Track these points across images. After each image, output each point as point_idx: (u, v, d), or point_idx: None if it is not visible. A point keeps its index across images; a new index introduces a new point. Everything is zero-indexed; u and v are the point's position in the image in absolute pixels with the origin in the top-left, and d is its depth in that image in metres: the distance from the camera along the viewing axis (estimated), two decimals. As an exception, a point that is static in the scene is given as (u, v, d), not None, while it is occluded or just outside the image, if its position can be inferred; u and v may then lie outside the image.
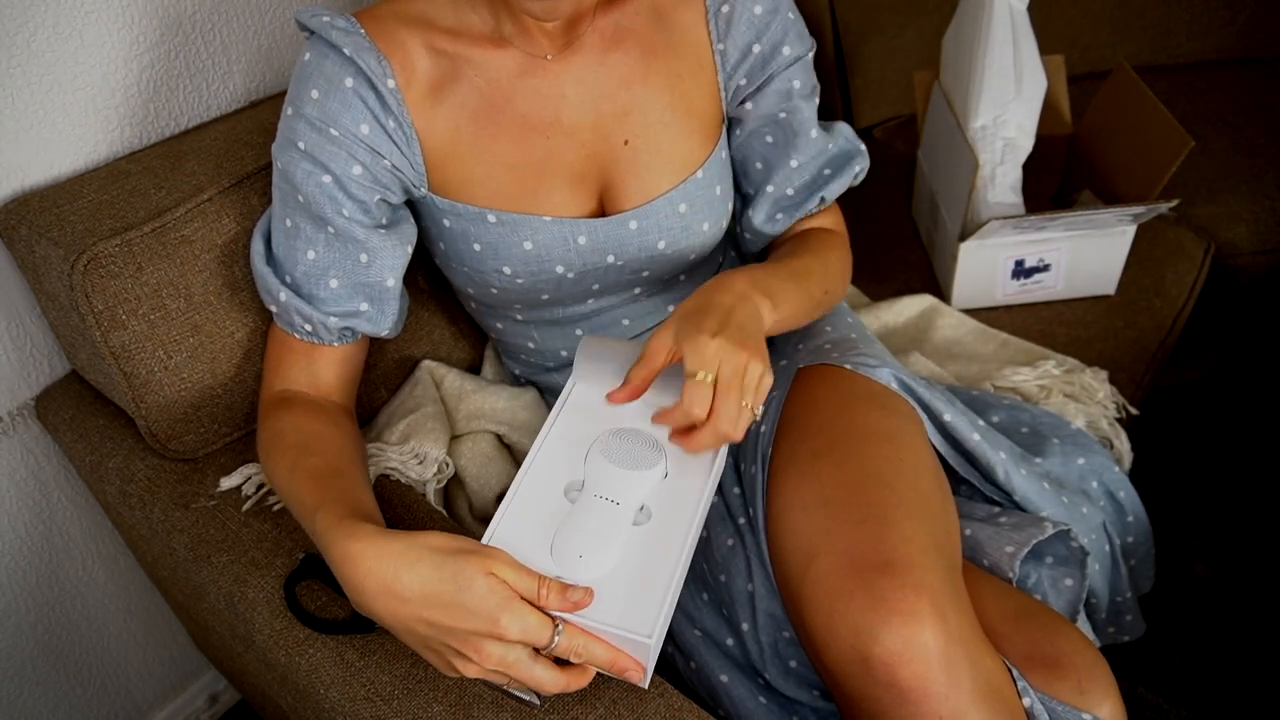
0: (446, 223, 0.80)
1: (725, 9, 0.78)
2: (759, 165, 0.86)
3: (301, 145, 0.73)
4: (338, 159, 0.73)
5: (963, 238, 1.11)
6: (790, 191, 0.87)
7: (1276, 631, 1.28)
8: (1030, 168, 1.15)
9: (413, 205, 0.82)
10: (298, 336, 0.79)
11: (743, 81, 0.81)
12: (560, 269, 0.82)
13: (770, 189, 0.86)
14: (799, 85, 0.82)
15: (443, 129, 0.76)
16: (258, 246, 0.79)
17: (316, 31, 0.73)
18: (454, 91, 0.76)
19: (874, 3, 1.51)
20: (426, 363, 0.99)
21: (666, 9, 0.79)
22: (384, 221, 0.78)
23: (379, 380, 0.96)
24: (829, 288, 0.84)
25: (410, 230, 0.80)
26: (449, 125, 0.76)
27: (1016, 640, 0.72)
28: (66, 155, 0.87)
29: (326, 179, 0.73)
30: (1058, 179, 1.30)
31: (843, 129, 0.87)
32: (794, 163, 0.85)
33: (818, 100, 0.85)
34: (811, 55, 0.83)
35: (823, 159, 0.86)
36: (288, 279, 0.77)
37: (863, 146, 0.88)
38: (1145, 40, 1.60)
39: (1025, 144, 1.12)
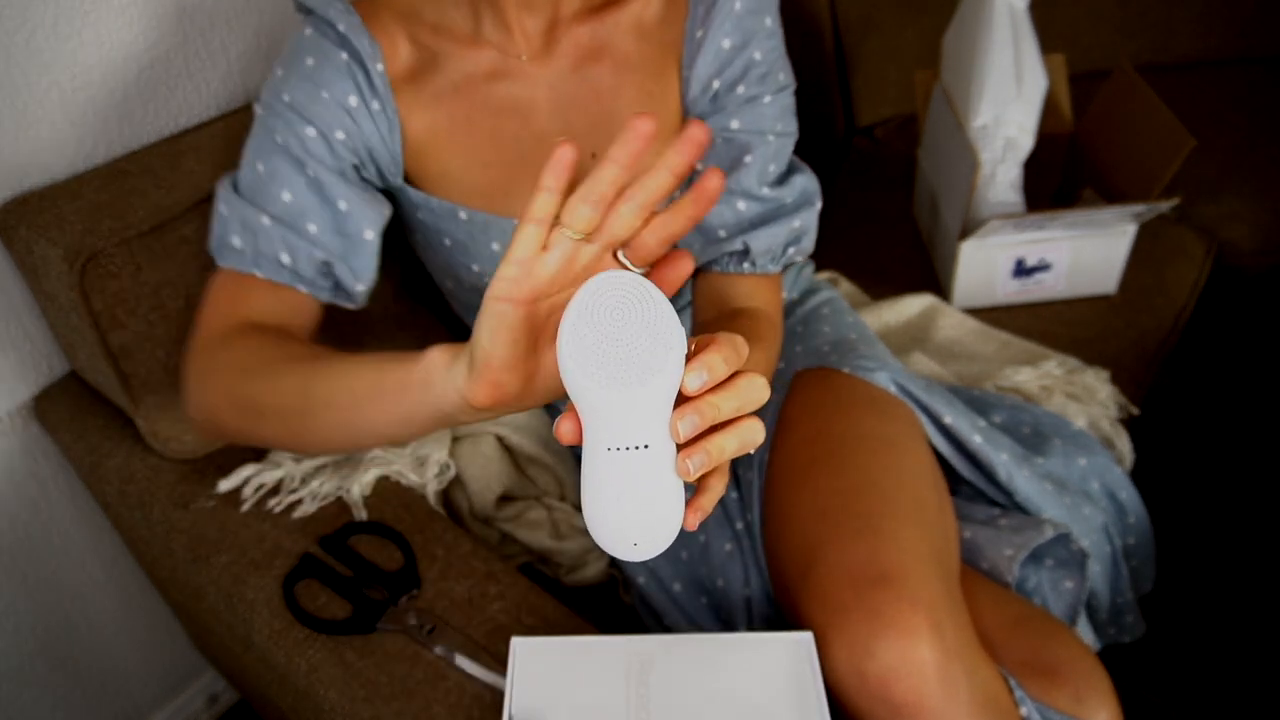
0: (420, 216, 0.80)
1: (699, 34, 0.75)
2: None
3: (287, 98, 0.72)
4: (323, 118, 0.72)
5: (963, 237, 1.11)
6: (742, 206, 0.78)
7: (1276, 632, 1.28)
8: (1031, 167, 1.15)
9: (390, 194, 0.81)
10: (261, 275, 0.71)
11: (703, 110, 0.77)
12: None
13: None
14: (758, 121, 0.76)
15: (422, 120, 0.76)
16: (224, 191, 0.73)
17: (315, 10, 0.73)
18: (433, 86, 0.75)
19: (874, 2, 1.51)
20: (426, 363, 0.98)
21: (651, 27, 0.76)
22: (359, 184, 0.75)
23: (378, 380, 0.95)
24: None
25: (386, 204, 0.77)
26: (427, 117, 0.76)
27: (1014, 648, 0.72)
28: (66, 155, 0.87)
29: (310, 131, 0.72)
30: (1058, 178, 1.29)
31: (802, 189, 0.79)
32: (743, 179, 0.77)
33: (787, 143, 0.78)
34: (774, 98, 0.76)
35: (772, 204, 0.77)
36: (265, 218, 0.72)
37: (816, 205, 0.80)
38: (1146, 39, 1.59)
39: (1026, 143, 1.12)
